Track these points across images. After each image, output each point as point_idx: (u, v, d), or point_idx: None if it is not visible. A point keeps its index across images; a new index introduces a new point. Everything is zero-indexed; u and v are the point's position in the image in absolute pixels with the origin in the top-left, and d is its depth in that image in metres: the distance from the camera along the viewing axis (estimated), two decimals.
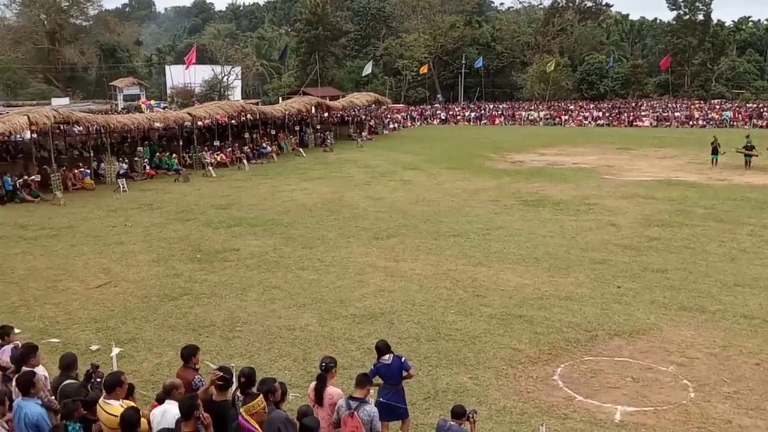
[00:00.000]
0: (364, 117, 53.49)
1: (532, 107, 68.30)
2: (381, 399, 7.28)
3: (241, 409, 5.83)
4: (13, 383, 6.75)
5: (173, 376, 7.22)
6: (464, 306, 12.35)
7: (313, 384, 6.80)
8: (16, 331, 8.90)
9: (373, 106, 54.08)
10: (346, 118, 51.46)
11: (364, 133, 47.87)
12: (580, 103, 69.49)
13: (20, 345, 7.76)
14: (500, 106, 70.49)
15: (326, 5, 75.30)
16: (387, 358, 7.41)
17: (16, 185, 25.24)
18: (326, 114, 49.50)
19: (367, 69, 64.29)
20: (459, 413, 6.36)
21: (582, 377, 9.52)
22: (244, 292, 13.40)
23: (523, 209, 21.77)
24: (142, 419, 6.03)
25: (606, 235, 17.99)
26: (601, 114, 63.08)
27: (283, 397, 6.27)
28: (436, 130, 58.51)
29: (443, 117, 66.88)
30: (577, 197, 23.68)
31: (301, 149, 40.10)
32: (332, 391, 6.68)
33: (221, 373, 6.18)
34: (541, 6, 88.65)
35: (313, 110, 46.19)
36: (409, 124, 62.21)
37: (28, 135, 29.13)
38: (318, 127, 46.67)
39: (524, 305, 12.36)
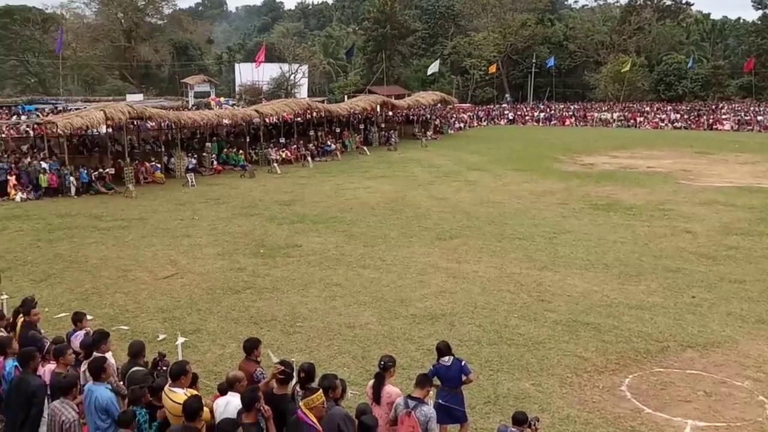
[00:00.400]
0: (429, 116, 53.40)
1: (605, 108, 66.64)
2: (439, 401, 7.25)
3: (300, 403, 5.91)
4: (82, 368, 7.06)
5: (235, 368, 7.40)
6: (528, 310, 12.16)
7: (371, 382, 6.83)
8: (89, 317, 9.30)
9: (439, 105, 53.89)
10: (411, 117, 51.49)
11: (429, 133, 47.81)
12: (657, 105, 67.31)
13: (92, 331, 8.13)
14: (571, 107, 69.07)
15: (395, 3, 75.52)
16: (447, 360, 7.38)
17: (91, 177, 26.48)
18: (391, 113, 49.67)
19: (434, 68, 64.12)
20: (520, 420, 6.27)
21: (651, 389, 9.22)
22: (306, 288, 13.61)
23: (593, 213, 21.26)
24: (205, 408, 6.21)
25: (681, 242, 17.37)
26: (678, 116, 60.94)
27: (342, 394, 6.33)
28: (504, 130, 57.86)
29: (511, 117, 66.07)
30: (650, 202, 22.96)
31: (365, 148, 40.40)
32: (390, 389, 6.70)
33: (282, 367, 6.29)
34: (618, 4, 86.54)
35: (378, 109, 46.43)
36: (476, 124, 61.75)
37: (104, 129, 30.45)
38: (383, 125, 46.91)
39: (591, 312, 12.06)
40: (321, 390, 5.93)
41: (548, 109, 68.44)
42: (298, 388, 6.44)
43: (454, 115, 59.57)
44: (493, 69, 72.39)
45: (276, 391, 6.28)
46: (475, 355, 10.06)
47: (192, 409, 5.72)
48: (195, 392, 6.30)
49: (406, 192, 25.32)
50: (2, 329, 8.39)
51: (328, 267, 15.09)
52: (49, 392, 6.77)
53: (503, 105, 73.97)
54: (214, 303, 12.68)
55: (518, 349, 10.41)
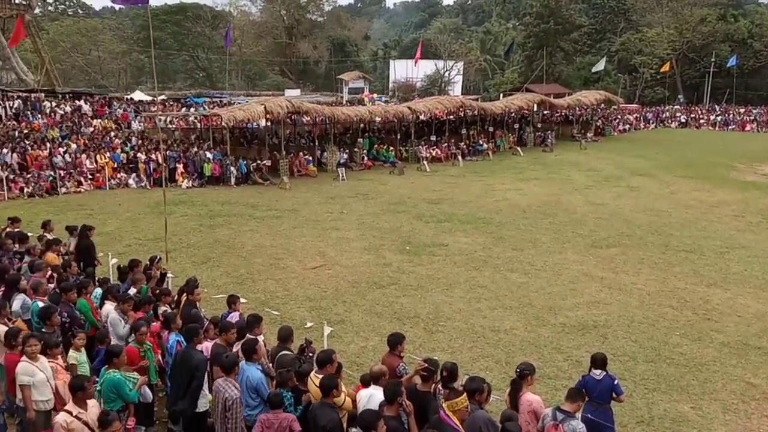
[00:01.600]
0: (590, 117, 51.47)
1: None
2: (588, 415, 7.05)
3: (444, 404, 6.01)
4: (235, 348, 7.61)
5: (377, 361, 7.64)
6: (692, 329, 11.45)
7: (509, 389, 6.78)
8: (242, 300, 10.00)
9: (602, 105, 51.75)
10: (570, 117, 49.95)
11: (589, 134, 46.10)
12: None
13: (244, 314, 8.74)
14: (753, 111, 63.55)
15: None
16: (598, 374, 7.24)
17: (249, 168, 28.33)
18: (549, 112, 48.46)
19: (600, 65, 61.60)
20: None
21: None
22: (450, 287, 13.70)
23: None
24: (348, 398, 6.50)
25: None
26: None
27: (487, 398, 6.34)
28: (674, 133, 54.43)
29: (683, 120, 62.04)
30: None
31: (518, 148, 39.76)
32: (531, 397, 6.64)
33: (426, 364, 6.41)
34: None
35: (535, 108, 45.46)
36: (642, 126, 58.64)
37: (263, 123, 32.40)
38: (539, 125, 45.88)
39: (765, 336, 11.19)
40: (465, 394, 5.98)
41: (726, 113, 63.49)
42: (440, 386, 6.54)
43: (619, 116, 56.96)
44: (665, 68, 68.22)
45: (419, 387, 6.42)
46: (629, 371, 9.66)
47: (326, 385, 6.19)
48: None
49: (560, 196, 24.67)
50: (168, 306, 9.24)
51: (474, 268, 15.09)
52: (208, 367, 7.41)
53: (675, 107, 69.51)
54: (359, 296, 13.14)
55: (678, 369, 9.85)
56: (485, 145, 38.01)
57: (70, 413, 6.02)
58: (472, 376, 6.41)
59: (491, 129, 41.50)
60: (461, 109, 40.84)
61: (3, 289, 9.21)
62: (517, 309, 12.42)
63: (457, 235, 18.33)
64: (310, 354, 7.93)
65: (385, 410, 5.92)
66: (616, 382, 7.24)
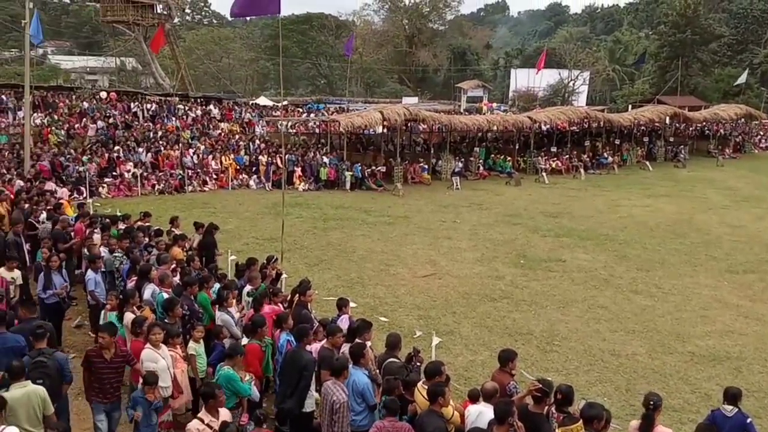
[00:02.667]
0: (729, 132, 48.40)
1: None
2: None
3: (558, 430, 5.78)
4: (342, 349, 7.64)
5: (486, 376, 7.43)
6: None
7: (635, 422, 6.37)
8: (352, 305, 10.05)
9: (743, 120, 48.55)
10: (706, 131, 47.19)
11: (727, 150, 43.35)
12: None
13: (353, 318, 8.78)
14: None
15: (699, 6, 69.68)
16: (729, 410, 6.72)
17: (364, 174, 28.78)
18: (682, 126, 46.01)
19: (741, 78, 57.81)
20: None
21: None
22: (567, 306, 13.20)
23: None
24: (456, 412, 6.35)
25: None
26: None
27: (606, 426, 5.99)
28: None
29: None
30: None
31: (647, 162, 37.95)
32: (664, 430, 6.19)
33: (540, 385, 6.16)
34: None
35: (668, 121, 43.30)
36: None
37: (379, 130, 32.85)
38: (671, 139, 43.66)
39: None
40: (581, 421, 5.70)
41: None
42: (553, 409, 6.27)
43: (761, 133, 53.17)
44: None
45: (531, 408, 6.17)
46: (764, 408, 8.95)
47: (433, 392, 6.15)
48: None
49: (693, 215, 23.28)
50: (280, 304, 9.44)
51: (594, 287, 14.47)
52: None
53: None
54: (469, 308, 12.92)
55: None
56: (610, 159, 36.60)
57: (202, 421, 6.18)
58: (590, 402, 6.08)
59: (617, 142, 39.89)
60: (586, 120, 39.58)
61: (135, 279, 9.81)
62: (640, 333, 11.76)
63: (576, 251, 17.69)
64: (418, 363, 7.85)
65: (494, 429, 5.72)
66: (749, 420, 6.65)
